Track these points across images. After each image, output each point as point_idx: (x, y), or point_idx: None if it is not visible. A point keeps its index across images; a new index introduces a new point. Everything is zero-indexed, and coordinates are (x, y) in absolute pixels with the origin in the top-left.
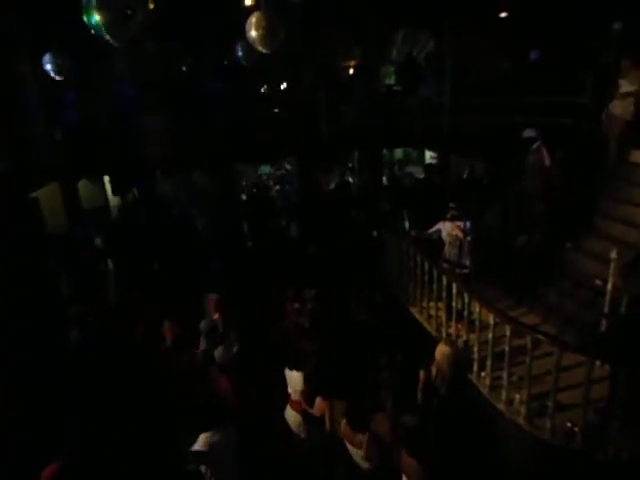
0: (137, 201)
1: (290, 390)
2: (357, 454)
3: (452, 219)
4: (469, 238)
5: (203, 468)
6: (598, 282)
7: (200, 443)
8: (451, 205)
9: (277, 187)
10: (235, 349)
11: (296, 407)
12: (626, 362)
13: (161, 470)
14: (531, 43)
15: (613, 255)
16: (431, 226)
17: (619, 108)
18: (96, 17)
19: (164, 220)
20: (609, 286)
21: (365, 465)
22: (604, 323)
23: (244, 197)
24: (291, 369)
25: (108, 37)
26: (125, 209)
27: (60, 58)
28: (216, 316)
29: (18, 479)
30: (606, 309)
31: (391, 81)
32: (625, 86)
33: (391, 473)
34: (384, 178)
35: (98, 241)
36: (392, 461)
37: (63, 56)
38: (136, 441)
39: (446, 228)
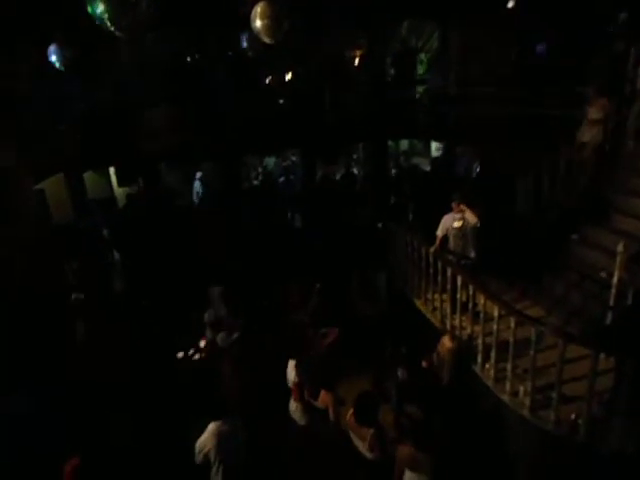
0: (143, 193)
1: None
2: (361, 445)
3: (465, 206)
4: (479, 224)
5: (212, 456)
6: (603, 274)
7: (209, 431)
8: (454, 196)
9: (282, 178)
10: (236, 335)
11: (294, 395)
12: (631, 354)
13: (171, 459)
14: (538, 33)
15: (620, 248)
16: (437, 224)
17: (588, 135)
18: (99, 7)
19: (170, 212)
20: (615, 279)
21: (369, 456)
22: (609, 315)
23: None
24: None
25: (111, 27)
26: (131, 200)
27: (65, 49)
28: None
29: (41, 472)
30: (612, 302)
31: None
32: (593, 113)
33: (393, 462)
34: (393, 170)
35: (106, 232)
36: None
37: (68, 47)
38: (147, 432)
39: (448, 221)
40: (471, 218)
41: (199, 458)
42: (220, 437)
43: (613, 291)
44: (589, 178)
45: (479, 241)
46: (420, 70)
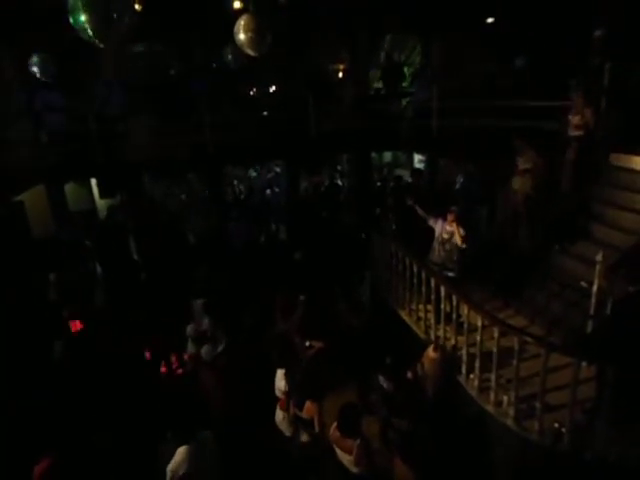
0: (125, 205)
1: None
2: (346, 458)
3: (456, 225)
4: (464, 246)
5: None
6: (583, 284)
7: (181, 455)
8: (453, 208)
9: (268, 191)
10: (221, 347)
11: (280, 405)
12: (611, 362)
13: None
14: (517, 48)
15: (599, 257)
16: (419, 235)
17: (518, 183)
18: (82, 18)
19: (152, 224)
20: (594, 288)
21: (354, 469)
22: (590, 324)
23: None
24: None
25: (94, 38)
26: (113, 212)
27: (46, 60)
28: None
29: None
30: (592, 310)
31: (379, 84)
32: (522, 164)
33: (379, 476)
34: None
35: (89, 243)
36: (380, 464)
37: (49, 58)
38: (124, 444)
39: (439, 228)
40: (458, 238)
41: None
42: (191, 461)
43: (593, 300)
44: (525, 225)
45: (462, 256)
46: (403, 83)
